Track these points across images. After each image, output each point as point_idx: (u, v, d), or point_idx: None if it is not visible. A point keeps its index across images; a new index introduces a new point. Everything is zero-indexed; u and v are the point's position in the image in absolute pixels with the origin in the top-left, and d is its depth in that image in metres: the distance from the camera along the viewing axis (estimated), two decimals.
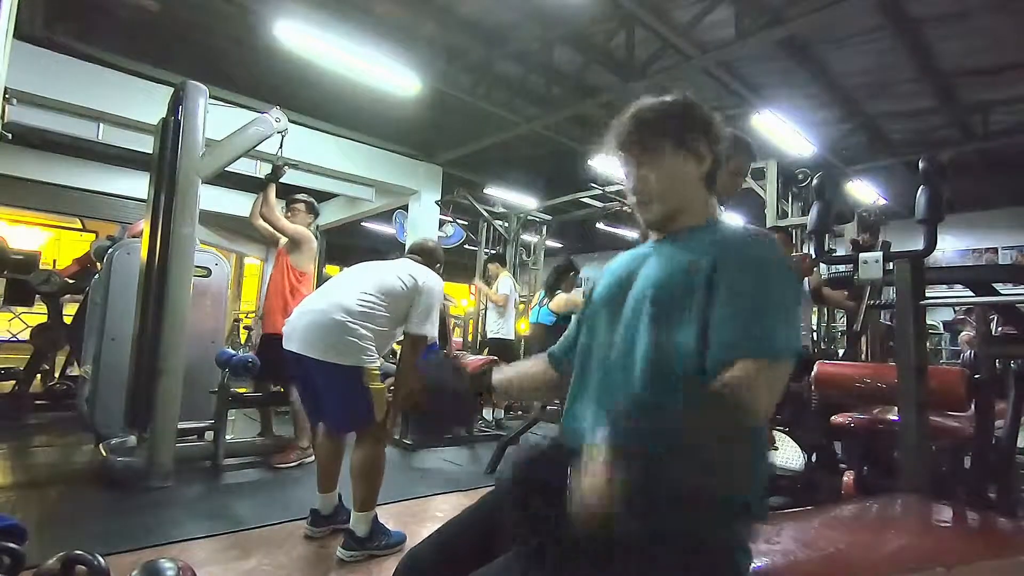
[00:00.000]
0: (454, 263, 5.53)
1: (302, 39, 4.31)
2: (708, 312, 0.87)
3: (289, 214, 3.79)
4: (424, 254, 2.56)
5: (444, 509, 2.90)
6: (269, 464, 3.41)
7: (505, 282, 5.30)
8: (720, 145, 1.01)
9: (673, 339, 0.89)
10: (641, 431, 0.75)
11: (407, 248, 2.71)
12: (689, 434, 0.75)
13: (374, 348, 2.20)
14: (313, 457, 3.26)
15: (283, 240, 3.70)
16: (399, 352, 2.64)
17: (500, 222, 7.41)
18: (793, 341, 0.85)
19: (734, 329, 0.84)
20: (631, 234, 11.01)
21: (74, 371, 4.89)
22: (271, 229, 3.67)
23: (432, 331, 2.36)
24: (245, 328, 9.70)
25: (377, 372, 2.21)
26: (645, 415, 0.80)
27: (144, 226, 3.22)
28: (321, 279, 4.70)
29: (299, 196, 3.93)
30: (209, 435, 3.39)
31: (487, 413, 4.92)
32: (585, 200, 7.14)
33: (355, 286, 2.27)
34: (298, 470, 3.38)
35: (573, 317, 1.19)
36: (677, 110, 1.00)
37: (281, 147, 3.57)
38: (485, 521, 0.97)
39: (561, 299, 4.15)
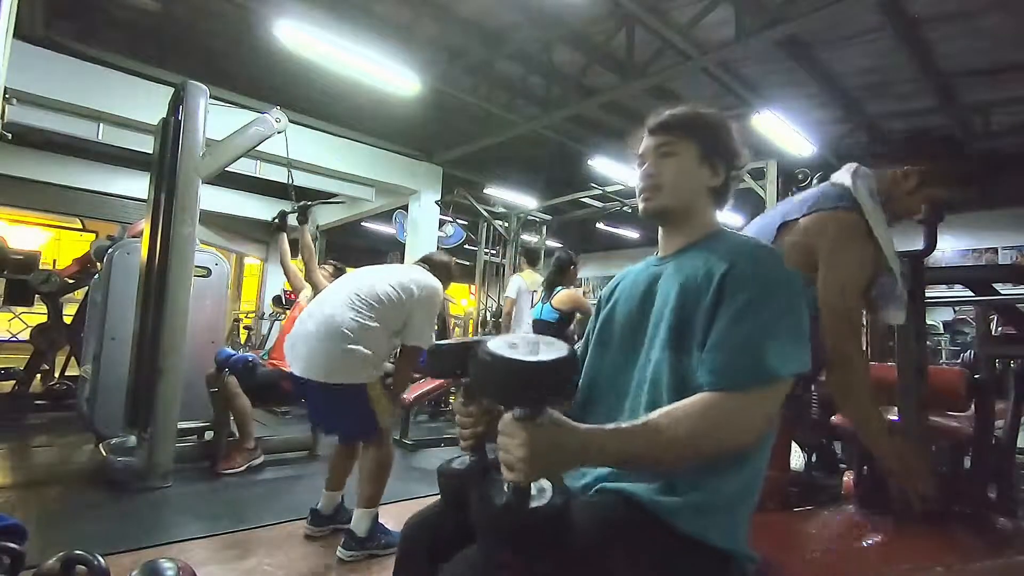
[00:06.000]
0: None
1: (302, 39, 4.30)
2: (711, 330, 0.86)
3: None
4: (433, 266, 2.56)
5: None
6: (213, 471, 3.18)
7: (511, 284, 5.15)
8: (737, 172, 1.04)
9: (694, 364, 0.87)
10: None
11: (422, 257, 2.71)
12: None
13: (372, 361, 2.22)
14: (261, 458, 3.28)
15: (306, 292, 3.67)
16: (396, 359, 2.65)
17: (500, 222, 7.41)
18: (793, 360, 0.83)
19: (722, 355, 0.83)
20: (631, 234, 11.02)
21: (74, 371, 4.88)
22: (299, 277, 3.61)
23: (428, 340, 2.37)
24: (245, 328, 9.71)
25: (377, 385, 2.24)
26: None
27: (144, 226, 3.22)
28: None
29: (331, 261, 3.96)
30: (209, 435, 3.40)
31: None
32: (585, 200, 7.14)
33: (348, 300, 2.26)
34: (297, 470, 3.38)
35: (582, 338, 1.16)
36: (718, 123, 1.03)
37: (292, 184, 3.47)
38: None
39: (565, 296, 4.13)
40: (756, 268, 0.88)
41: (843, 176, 1.47)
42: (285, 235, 3.60)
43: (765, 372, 0.81)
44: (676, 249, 1.01)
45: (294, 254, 3.64)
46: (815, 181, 1.78)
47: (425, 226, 7.61)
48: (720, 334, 0.84)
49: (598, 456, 0.76)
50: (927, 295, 1.52)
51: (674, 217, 1.01)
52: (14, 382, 4.84)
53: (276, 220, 3.57)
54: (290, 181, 3.53)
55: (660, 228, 1.05)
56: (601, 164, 6.43)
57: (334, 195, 6.95)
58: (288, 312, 4.85)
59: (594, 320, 1.11)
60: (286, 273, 3.65)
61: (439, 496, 1.00)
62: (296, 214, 3.49)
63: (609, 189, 6.68)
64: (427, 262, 2.59)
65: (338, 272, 3.80)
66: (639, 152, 1.06)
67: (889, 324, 1.45)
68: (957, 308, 7.02)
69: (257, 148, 3.42)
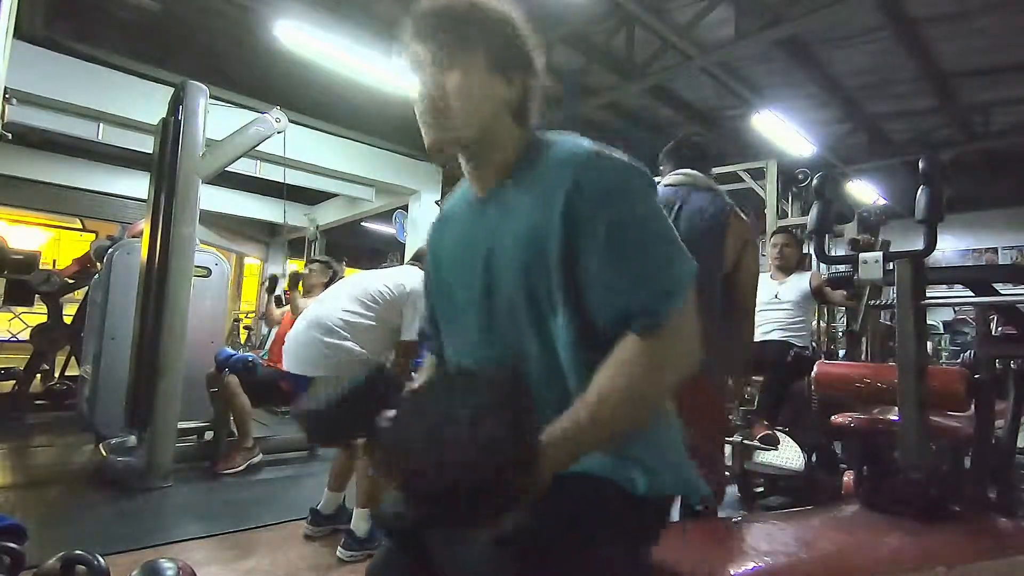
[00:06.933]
0: None
1: (302, 39, 4.31)
2: (577, 271, 0.72)
3: (306, 273, 3.83)
4: (422, 260, 2.59)
5: None
6: (213, 471, 3.18)
7: None
8: (534, 81, 0.85)
9: (554, 319, 0.74)
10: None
11: (412, 255, 2.79)
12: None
13: (360, 357, 2.28)
14: (259, 457, 3.29)
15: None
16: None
17: None
18: (687, 272, 0.72)
19: (616, 297, 0.70)
20: None
21: (74, 371, 4.89)
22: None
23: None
24: (245, 328, 9.70)
25: None
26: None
27: (144, 226, 3.22)
28: None
29: (317, 258, 4.02)
30: (209, 435, 3.40)
31: None
32: None
33: (339, 301, 2.41)
34: (297, 470, 3.38)
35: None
36: (502, 18, 0.83)
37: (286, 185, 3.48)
38: None
39: None
40: (607, 180, 0.73)
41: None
42: (274, 297, 3.68)
43: (675, 296, 0.70)
44: (494, 184, 0.83)
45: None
46: (815, 181, 1.78)
47: (425, 226, 7.53)
48: (606, 272, 0.71)
49: (560, 467, 0.65)
50: (927, 295, 1.53)
51: (474, 148, 0.82)
52: (14, 382, 4.84)
53: (267, 283, 3.69)
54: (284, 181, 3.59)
55: (463, 162, 0.85)
56: None
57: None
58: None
59: (428, 288, 0.98)
60: (271, 327, 3.74)
61: None
62: (290, 277, 3.68)
63: None
64: (419, 259, 2.61)
65: (325, 269, 3.83)
66: (408, 65, 0.82)
67: (889, 324, 1.46)
68: (957, 308, 7.02)
69: (257, 148, 3.42)
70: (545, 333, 0.76)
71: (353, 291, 2.41)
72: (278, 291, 3.87)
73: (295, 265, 10.06)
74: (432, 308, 0.98)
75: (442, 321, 0.93)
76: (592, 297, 0.72)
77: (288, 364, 2.35)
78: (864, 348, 3.54)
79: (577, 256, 0.72)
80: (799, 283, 3.22)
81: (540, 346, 0.76)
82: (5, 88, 1.98)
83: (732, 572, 0.94)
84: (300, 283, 3.68)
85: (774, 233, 3.61)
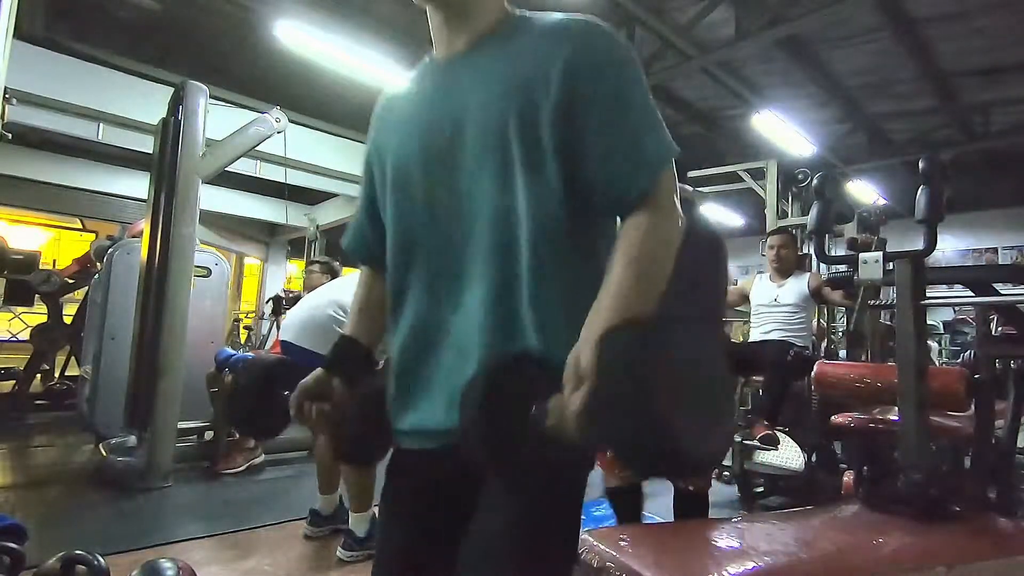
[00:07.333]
0: None
1: (302, 39, 4.30)
2: (575, 138, 0.70)
3: (306, 275, 3.83)
4: None
5: None
6: (213, 471, 3.19)
7: None
8: None
9: (548, 187, 0.71)
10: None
11: None
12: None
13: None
14: (261, 457, 3.29)
15: None
16: None
17: None
18: (669, 142, 0.72)
19: (622, 154, 0.69)
20: None
21: (74, 371, 4.89)
22: None
23: None
24: (245, 328, 9.70)
25: None
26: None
27: (144, 226, 3.23)
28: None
29: (317, 259, 4.01)
30: (209, 435, 3.40)
31: None
32: None
33: (342, 286, 2.50)
34: (297, 470, 3.38)
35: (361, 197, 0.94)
36: None
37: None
38: None
39: None
40: (601, 50, 0.72)
41: None
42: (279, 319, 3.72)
43: (666, 161, 0.70)
44: (467, 45, 0.78)
45: None
46: (815, 181, 1.78)
47: None
48: (606, 139, 0.69)
49: None
50: (927, 295, 1.53)
51: (457, 4, 0.78)
52: (14, 382, 4.84)
53: (272, 306, 3.73)
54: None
55: (432, 17, 0.80)
56: None
57: None
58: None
59: (374, 166, 0.88)
60: None
61: None
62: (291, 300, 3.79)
63: None
64: None
65: (326, 268, 3.83)
66: None
67: (889, 324, 1.46)
68: (957, 308, 7.02)
69: (257, 148, 3.42)
70: (511, 205, 0.72)
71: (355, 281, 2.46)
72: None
73: (295, 266, 10.06)
74: (368, 208, 0.90)
75: (393, 217, 0.82)
76: (584, 161, 0.70)
77: (284, 334, 2.36)
78: (865, 348, 3.54)
79: (572, 120, 0.69)
80: (798, 285, 3.18)
81: (503, 222, 0.72)
82: (5, 88, 1.98)
83: (732, 572, 0.94)
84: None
85: (770, 234, 3.55)
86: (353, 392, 0.87)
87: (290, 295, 4.26)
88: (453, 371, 0.72)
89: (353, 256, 0.96)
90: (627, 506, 1.87)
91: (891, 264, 1.58)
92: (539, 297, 0.70)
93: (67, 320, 5.12)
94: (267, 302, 3.74)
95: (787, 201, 5.39)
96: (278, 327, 4.17)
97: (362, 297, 0.95)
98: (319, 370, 0.88)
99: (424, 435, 0.77)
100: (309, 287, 3.73)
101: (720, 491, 2.90)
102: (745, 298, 3.39)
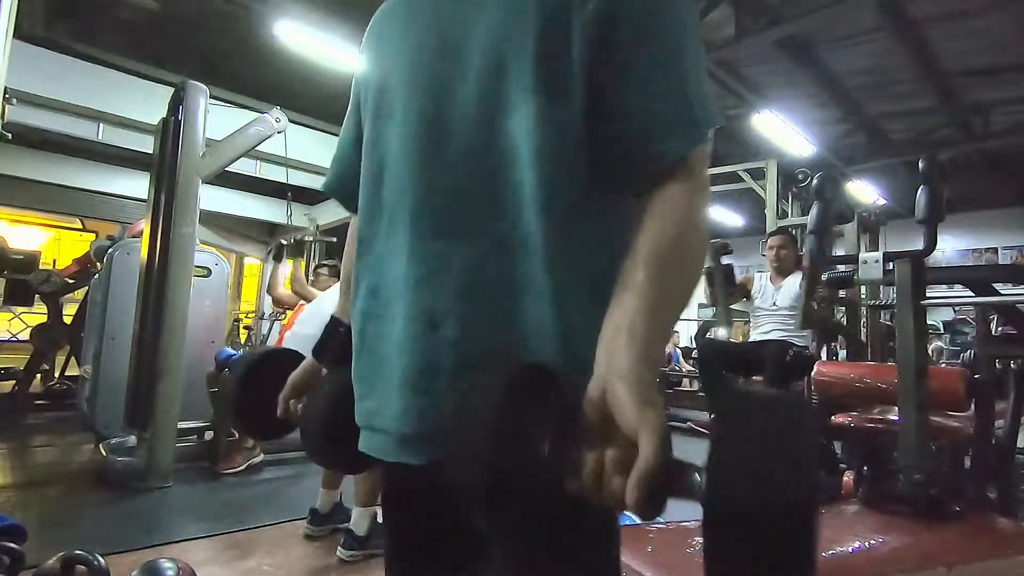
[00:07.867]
0: None
1: (302, 39, 4.31)
2: (604, 73, 0.54)
3: (314, 278, 3.80)
4: None
5: None
6: (213, 471, 3.20)
7: None
8: None
9: (566, 125, 0.55)
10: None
11: None
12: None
13: None
14: (260, 456, 3.29)
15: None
16: None
17: None
18: (712, 105, 0.57)
19: (666, 99, 0.54)
20: None
21: (74, 371, 4.89)
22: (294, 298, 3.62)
23: None
24: (245, 328, 9.70)
25: None
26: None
27: (144, 226, 3.23)
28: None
29: (326, 262, 4.00)
30: (209, 435, 3.40)
31: None
32: None
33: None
34: (297, 470, 3.38)
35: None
36: None
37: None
38: None
39: None
40: None
41: None
42: (279, 265, 3.66)
43: (706, 128, 0.56)
44: None
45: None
46: (815, 181, 1.78)
47: None
48: (651, 79, 0.54)
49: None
50: (927, 295, 1.53)
51: None
52: (14, 382, 4.84)
53: (273, 252, 3.66)
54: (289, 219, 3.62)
55: None
56: None
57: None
58: (289, 312, 4.86)
59: (360, 88, 0.74)
60: (275, 299, 3.70)
61: None
62: (292, 247, 3.63)
63: None
64: None
65: (335, 272, 3.82)
66: None
67: (889, 324, 1.46)
68: (957, 308, 7.02)
69: (257, 148, 3.42)
70: (515, 144, 0.56)
71: None
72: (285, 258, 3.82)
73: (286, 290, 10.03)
74: (353, 138, 0.75)
75: (367, 149, 0.67)
76: (614, 104, 0.55)
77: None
78: (866, 348, 3.54)
79: (608, 42, 0.54)
80: (794, 286, 3.19)
81: (501, 161, 0.57)
82: (5, 88, 1.98)
83: None
84: (303, 251, 3.65)
85: (770, 235, 3.57)
86: (321, 380, 0.75)
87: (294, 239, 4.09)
88: (416, 346, 0.57)
89: (332, 194, 0.80)
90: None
91: (891, 264, 1.58)
92: (549, 259, 0.55)
93: (67, 320, 5.12)
94: (268, 251, 3.75)
95: (787, 201, 5.40)
96: (281, 310, 4.05)
97: (351, 256, 0.76)
98: (308, 359, 0.77)
99: (381, 436, 0.62)
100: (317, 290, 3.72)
101: None
102: (746, 294, 3.40)
